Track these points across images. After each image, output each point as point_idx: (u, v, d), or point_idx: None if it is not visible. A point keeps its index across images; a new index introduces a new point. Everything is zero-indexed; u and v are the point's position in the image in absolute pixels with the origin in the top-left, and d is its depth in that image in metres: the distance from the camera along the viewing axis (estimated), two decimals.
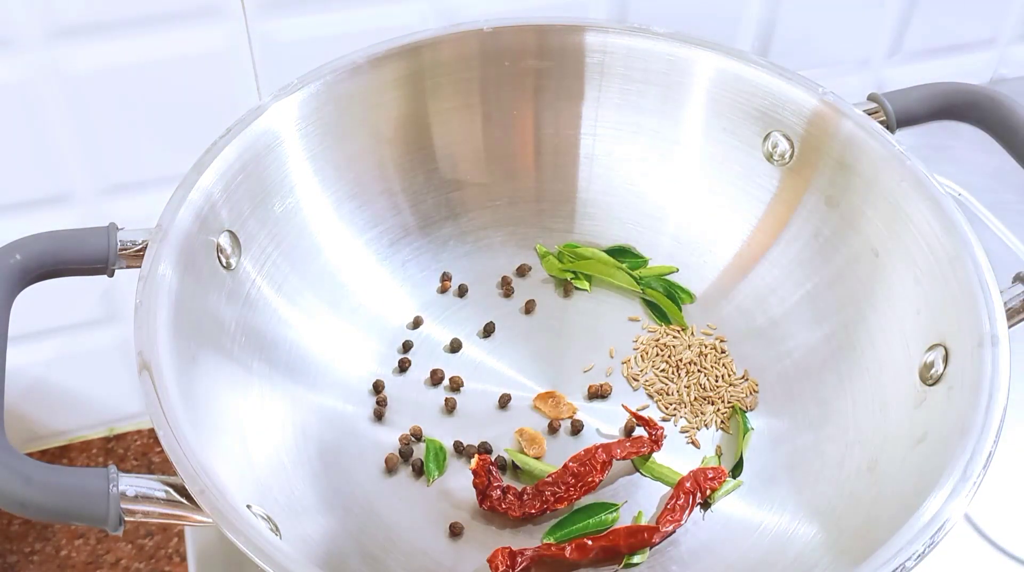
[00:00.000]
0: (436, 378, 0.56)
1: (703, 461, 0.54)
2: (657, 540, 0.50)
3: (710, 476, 0.52)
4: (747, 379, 0.57)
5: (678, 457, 0.54)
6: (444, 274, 0.61)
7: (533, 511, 0.50)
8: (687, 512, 0.51)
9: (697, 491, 0.51)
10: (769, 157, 0.59)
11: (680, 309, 0.60)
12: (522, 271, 0.62)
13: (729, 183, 0.60)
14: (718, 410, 0.56)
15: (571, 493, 0.51)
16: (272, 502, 0.47)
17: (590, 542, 0.49)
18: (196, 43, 0.59)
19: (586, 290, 0.61)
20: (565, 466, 0.51)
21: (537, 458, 0.53)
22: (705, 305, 0.60)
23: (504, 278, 0.61)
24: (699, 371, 0.57)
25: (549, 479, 0.51)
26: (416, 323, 0.59)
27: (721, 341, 0.59)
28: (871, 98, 0.57)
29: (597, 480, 0.51)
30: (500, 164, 0.62)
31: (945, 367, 0.48)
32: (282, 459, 0.51)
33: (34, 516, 0.39)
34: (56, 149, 0.60)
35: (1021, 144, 0.54)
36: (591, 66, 0.60)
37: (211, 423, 0.46)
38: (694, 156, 0.61)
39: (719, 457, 0.54)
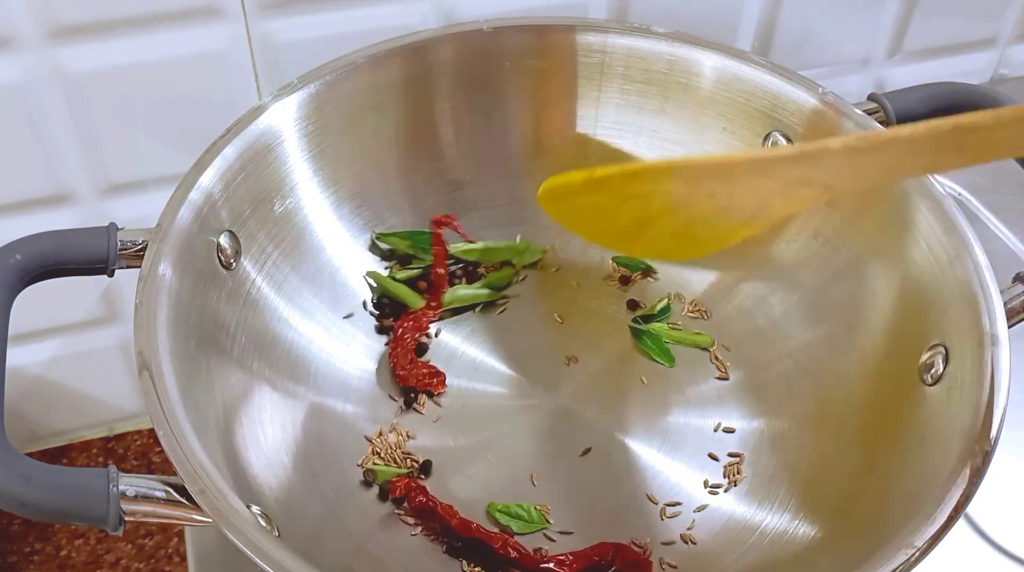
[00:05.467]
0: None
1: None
2: None
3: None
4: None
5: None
6: None
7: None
8: None
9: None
10: None
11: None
12: None
13: None
14: None
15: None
16: (272, 502, 0.47)
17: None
18: (196, 43, 0.59)
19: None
20: None
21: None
22: (705, 305, 0.60)
23: None
24: None
25: None
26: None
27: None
28: (871, 98, 0.57)
29: None
30: (500, 164, 0.62)
31: (945, 367, 0.48)
32: (282, 459, 0.51)
33: (34, 516, 0.39)
34: (56, 149, 0.60)
35: None
36: (591, 66, 0.60)
37: (211, 423, 0.46)
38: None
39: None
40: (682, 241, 0.49)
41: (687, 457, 0.54)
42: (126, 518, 0.40)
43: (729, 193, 0.45)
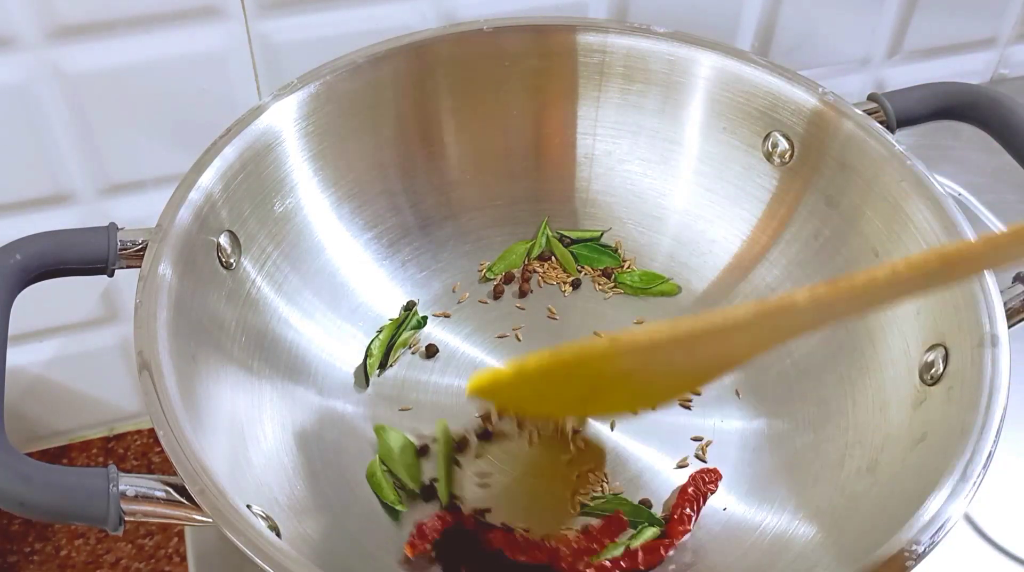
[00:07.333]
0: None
1: None
2: (669, 553, 0.50)
3: (707, 480, 0.52)
4: None
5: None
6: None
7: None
8: (694, 519, 0.51)
9: (699, 496, 0.51)
10: (769, 157, 0.59)
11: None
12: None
13: (729, 183, 0.60)
14: None
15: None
16: (272, 502, 0.47)
17: (608, 563, 0.48)
18: (196, 43, 0.59)
19: None
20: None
21: None
22: (705, 305, 0.60)
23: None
24: None
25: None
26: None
27: None
28: (871, 98, 0.57)
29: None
30: (500, 164, 0.62)
31: (945, 367, 0.48)
32: (282, 459, 0.51)
33: (34, 516, 0.39)
34: (56, 149, 0.60)
35: (1021, 144, 0.54)
36: (591, 66, 0.60)
37: (211, 423, 0.46)
38: (694, 156, 0.61)
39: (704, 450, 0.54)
40: (635, 398, 0.48)
41: (687, 457, 0.54)
42: (126, 518, 0.40)
43: (690, 357, 0.42)
